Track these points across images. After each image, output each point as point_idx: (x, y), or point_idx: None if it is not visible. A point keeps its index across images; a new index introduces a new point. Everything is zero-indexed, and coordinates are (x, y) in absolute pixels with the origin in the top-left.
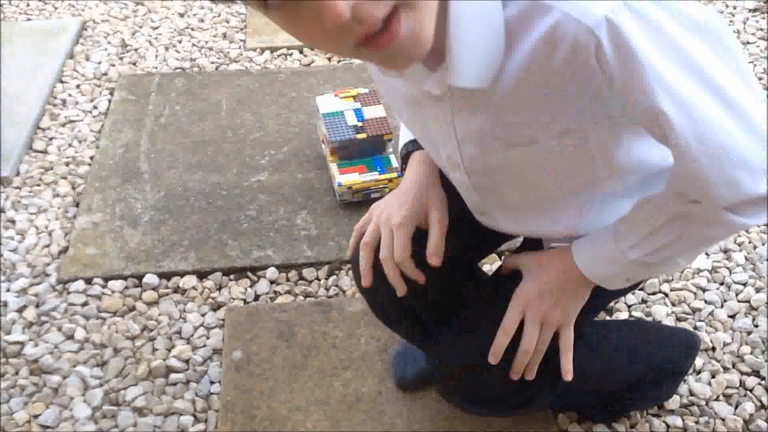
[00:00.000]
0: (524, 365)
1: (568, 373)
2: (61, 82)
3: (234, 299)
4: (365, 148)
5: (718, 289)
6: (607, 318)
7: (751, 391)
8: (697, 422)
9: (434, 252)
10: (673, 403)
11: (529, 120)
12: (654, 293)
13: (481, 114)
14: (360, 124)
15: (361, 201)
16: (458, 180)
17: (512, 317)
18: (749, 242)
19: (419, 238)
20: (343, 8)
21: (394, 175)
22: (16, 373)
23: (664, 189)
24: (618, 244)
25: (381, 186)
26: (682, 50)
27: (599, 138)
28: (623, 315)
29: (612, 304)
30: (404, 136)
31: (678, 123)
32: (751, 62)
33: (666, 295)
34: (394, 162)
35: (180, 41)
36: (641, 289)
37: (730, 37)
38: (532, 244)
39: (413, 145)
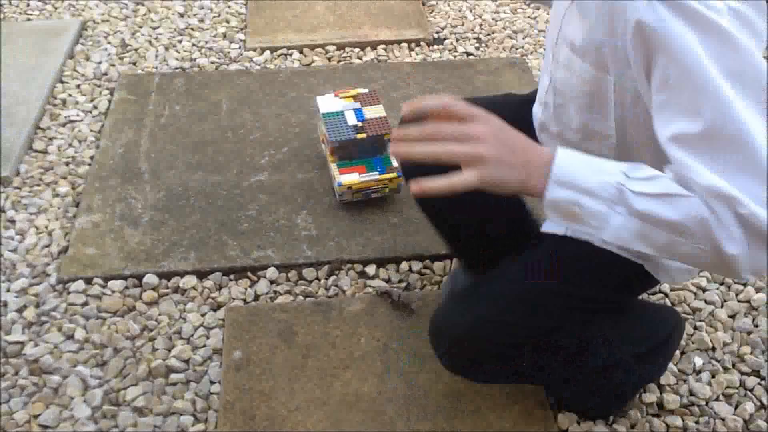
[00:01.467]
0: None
1: (418, 187)
2: (61, 82)
3: (234, 299)
4: (365, 148)
5: (718, 289)
6: None
7: (751, 391)
8: (697, 422)
9: None
10: (673, 403)
11: (601, 43)
12: (654, 293)
13: (579, 23)
14: (360, 124)
15: (360, 201)
16: (544, 84)
17: (458, 108)
18: None
19: None
20: None
21: (394, 175)
22: (16, 373)
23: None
24: (626, 171)
25: (381, 186)
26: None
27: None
28: None
29: None
30: None
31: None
32: None
33: (666, 295)
34: (394, 162)
35: (180, 41)
36: None
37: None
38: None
39: None
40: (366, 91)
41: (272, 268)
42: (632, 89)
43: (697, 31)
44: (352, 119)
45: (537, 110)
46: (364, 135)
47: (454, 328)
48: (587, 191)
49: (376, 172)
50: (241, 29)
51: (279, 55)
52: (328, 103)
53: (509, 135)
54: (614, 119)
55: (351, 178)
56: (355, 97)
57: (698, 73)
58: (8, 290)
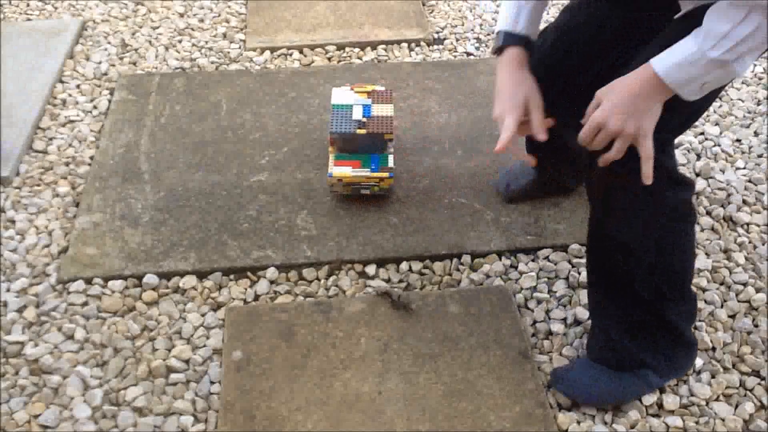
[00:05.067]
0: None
1: (647, 177)
2: (61, 82)
3: (234, 299)
4: (366, 145)
5: (718, 289)
6: None
7: (751, 391)
8: (697, 422)
9: (538, 130)
10: (673, 403)
11: None
12: None
13: None
14: (364, 119)
15: (360, 200)
16: None
17: (587, 132)
18: (749, 242)
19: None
20: None
21: (386, 175)
22: (16, 373)
23: None
24: (700, 46)
25: (371, 183)
26: None
27: None
28: None
29: None
30: (501, 22)
31: None
32: None
33: None
34: (391, 162)
35: (180, 41)
36: None
37: None
38: None
39: (505, 40)
40: (382, 88)
41: (272, 268)
42: None
43: None
44: (358, 114)
45: None
46: (363, 131)
47: None
48: (698, 77)
49: (369, 169)
50: (241, 29)
51: (279, 55)
52: (341, 95)
53: (619, 102)
54: None
55: (343, 171)
56: (369, 93)
57: None
58: (8, 290)
